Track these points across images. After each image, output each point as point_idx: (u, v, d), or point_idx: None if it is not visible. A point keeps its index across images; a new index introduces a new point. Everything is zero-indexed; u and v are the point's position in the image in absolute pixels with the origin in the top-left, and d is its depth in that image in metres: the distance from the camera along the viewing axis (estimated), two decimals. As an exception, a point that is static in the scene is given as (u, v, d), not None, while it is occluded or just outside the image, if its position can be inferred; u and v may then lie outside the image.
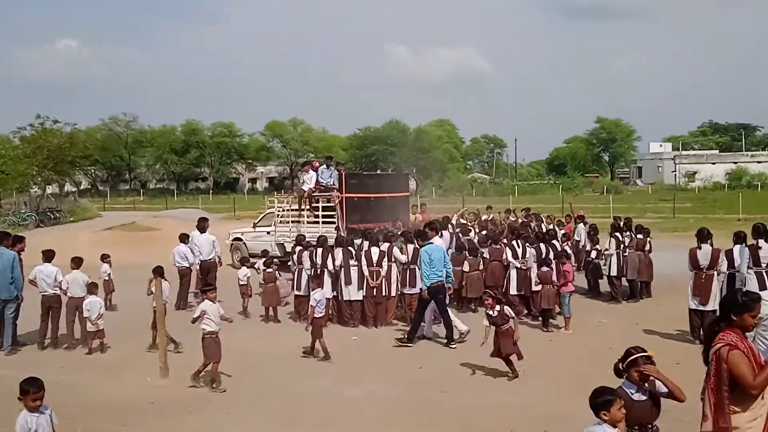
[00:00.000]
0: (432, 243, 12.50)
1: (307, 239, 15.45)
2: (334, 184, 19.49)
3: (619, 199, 54.56)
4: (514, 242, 14.67)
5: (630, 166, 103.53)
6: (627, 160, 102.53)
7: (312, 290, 11.94)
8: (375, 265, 13.75)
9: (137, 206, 58.85)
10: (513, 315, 10.12)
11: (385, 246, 14.04)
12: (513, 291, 14.32)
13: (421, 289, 12.46)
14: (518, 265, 14.36)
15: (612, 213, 39.26)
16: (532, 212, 20.85)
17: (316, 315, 11.37)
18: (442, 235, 15.13)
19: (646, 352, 5.00)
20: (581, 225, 19.71)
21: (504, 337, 9.95)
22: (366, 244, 14.19)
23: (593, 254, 16.96)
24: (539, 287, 13.83)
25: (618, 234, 16.32)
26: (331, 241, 14.91)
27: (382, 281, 13.78)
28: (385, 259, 13.84)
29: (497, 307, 10.03)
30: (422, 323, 12.56)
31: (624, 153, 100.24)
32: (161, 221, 34.52)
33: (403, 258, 13.90)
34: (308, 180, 19.63)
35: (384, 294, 13.84)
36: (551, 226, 19.39)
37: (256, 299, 15.46)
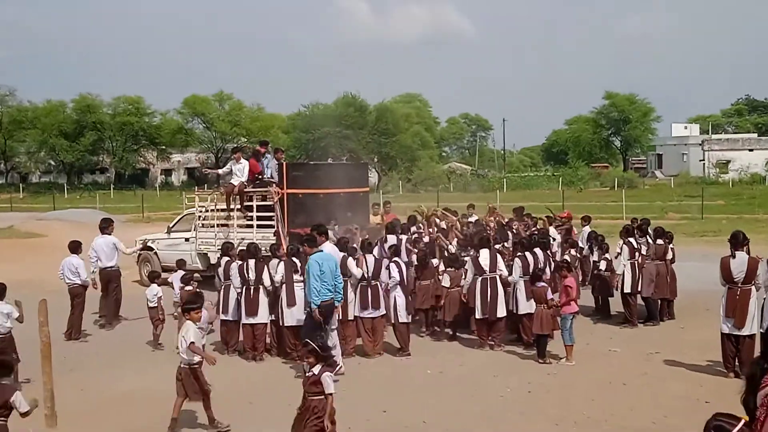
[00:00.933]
0: (321, 250, 12.71)
1: (236, 248, 15.34)
2: (272, 177, 19.40)
3: (633, 195, 55.39)
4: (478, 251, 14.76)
5: (647, 153, 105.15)
6: (643, 146, 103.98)
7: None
8: (326, 280, 13.73)
9: (16, 205, 57.93)
10: (331, 389, 8.34)
11: (339, 256, 14.04)
12: (478, 315, 14.44)
13: (310, 308, 12.47)
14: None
15: (625, 213, 39.87)
16: (526, 212, 20.95)
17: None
18: (386, 240, 15.25)
19: (739, 419, 4.69)
20: (586, 228, 19.89)
21: (305, 417, 8.43)
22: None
23: (602, 265, 17.16)
24: (530, 307, 13.98)
25: (632, 240, 16.52)
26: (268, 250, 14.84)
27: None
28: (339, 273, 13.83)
29: (316, 369, 8.41)
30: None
31: (640, 137, 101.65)
32: (47, 225, 34.05)
33: (358, 272, 13.92)
34: (239, 171, 19.53)
35: (338, 317, 13.82)
36: (551, 228, 19.52)
37: (170, 325, 15.31)
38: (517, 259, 14.52)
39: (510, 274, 14.47)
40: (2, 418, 7.53)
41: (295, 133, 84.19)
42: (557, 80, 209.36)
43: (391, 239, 16.20)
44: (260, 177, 19.46)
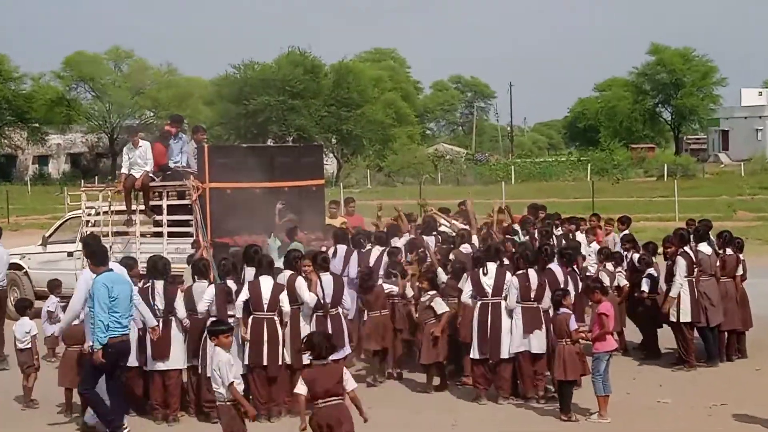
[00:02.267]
0: (111, 270, 12.85)
1: (140, 265, 15.24)
2: (188, 166, 19.33)
3: (690, 187, 55.62)
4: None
5: (708, 130, 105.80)
6: (703, 120, 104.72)
7: None
8: (266, 309, 13.71)
9: None
10: None
11: (284, 276, 14.03)
12: (474, 354, 14.35)
13: (92, 347, 12.53)
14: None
15: (679, 212, 40.01)
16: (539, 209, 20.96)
17: None
18: (335, 253, 15.39)
19: None
20: (624, 233, 19.85)
21: None
22: (250, 272, 14.16)
23: (644, 285, 17.11)
24: (527, 344, 14.03)
25: (688, 251, 16.54)
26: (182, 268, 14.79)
27: (281, 337, 13.75)
28: (285, 298, 13.83)
29: None
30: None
31: (698, 108, 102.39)
32: None
33: (311, 298, 13.91)
34: (140, 159, 19.45)
35: (282, 361, 13.80)
36: (580, 235, 19.50)
37: (48, 374, 15.23)
38: (513, 278, 14.44)
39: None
40: (338, 398, 9.90)
41: (222, 105, 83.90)
42: (584, 30, 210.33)
43: (341, 251, 16.21)
44: (168, 168, 19.39)
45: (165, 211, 19.00)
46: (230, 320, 13.55)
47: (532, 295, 14.22)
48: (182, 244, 18.42)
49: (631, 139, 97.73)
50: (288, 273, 14.03)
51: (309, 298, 13.89)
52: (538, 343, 14.02)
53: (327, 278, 14.12)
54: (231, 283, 13.90)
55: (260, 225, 18.51)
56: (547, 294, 14.21)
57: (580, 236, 19.41)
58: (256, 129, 79.45)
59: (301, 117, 78.83)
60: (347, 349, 14.11)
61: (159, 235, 19.03)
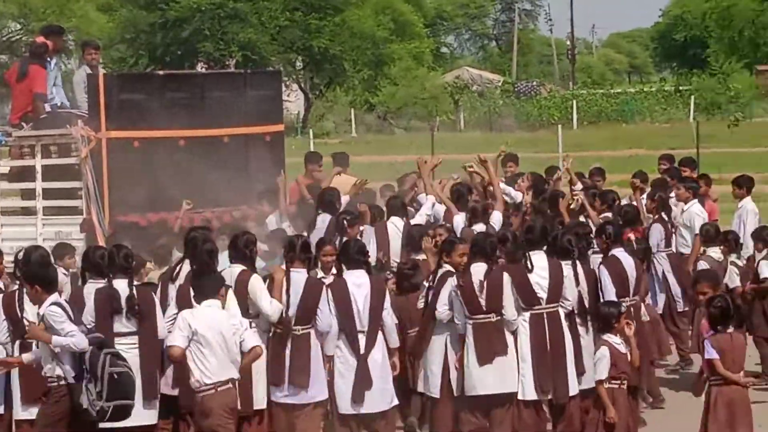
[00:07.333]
0: None
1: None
2: (63, 106, 19.36)
3: None
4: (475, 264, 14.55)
5: None
6: None
7: None
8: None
9: None
10: None
11: (231, 272, 13.99)
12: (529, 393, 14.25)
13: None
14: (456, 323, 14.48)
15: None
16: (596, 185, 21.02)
17: None
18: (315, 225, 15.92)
19: None
20: (745, 201, 19.94)
21: None
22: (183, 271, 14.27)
23: (766, 268, 17.18)
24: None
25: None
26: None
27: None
28: (234, 316, 13.70)
29: None
30: None
31: None
32: None
33: (274, 309, 13.79)
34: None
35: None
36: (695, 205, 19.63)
37: None
38: (505, 275, 14.35)
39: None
40: None
41: (126, 12, 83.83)
42: None
43: (322, 224, 16.42)
44: (47, 104, 19.39)
45: (39, 177, 18.93)
46: (119, 340, 13.50)
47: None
48: (66, 225, 18.38)
49: (756, 58, 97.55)
50: (237, 269, 13.97)
51: (270, 308, 13.74)
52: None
53: (298, 277, 14.01)
54: (120, 284, 13.80)
55: (185, 194, 18.45)
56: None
57: (695, 207, 19.46)
58: (180, 47, 79.47)
59: (248, 28, 78.69)
60: (317, 392, 13.97)
61: (30, 212, 18.99)
